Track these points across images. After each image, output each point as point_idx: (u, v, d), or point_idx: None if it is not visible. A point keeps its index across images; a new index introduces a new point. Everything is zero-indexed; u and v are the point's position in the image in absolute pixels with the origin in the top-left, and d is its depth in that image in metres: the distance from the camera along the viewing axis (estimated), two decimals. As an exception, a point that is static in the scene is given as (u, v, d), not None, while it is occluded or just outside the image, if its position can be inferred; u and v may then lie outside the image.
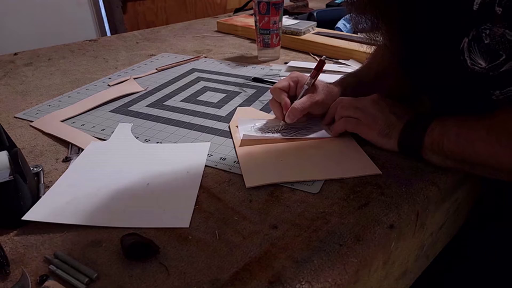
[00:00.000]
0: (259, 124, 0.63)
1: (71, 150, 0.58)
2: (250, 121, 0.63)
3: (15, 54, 1.04)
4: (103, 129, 0.64)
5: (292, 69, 0.89)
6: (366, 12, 0.52)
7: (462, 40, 0.43)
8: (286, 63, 0.92)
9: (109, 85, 0.81)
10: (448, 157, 0.49)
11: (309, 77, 0.61)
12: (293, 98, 0.62)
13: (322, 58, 0.63)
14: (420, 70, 0.56)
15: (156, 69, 0.90)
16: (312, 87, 0.62)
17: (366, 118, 0.55)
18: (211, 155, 0.56)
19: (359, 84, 0.66)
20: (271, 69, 0.89)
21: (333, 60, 0.93)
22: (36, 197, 0.47)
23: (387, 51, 0.65)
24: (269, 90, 0.76)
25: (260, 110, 0.69)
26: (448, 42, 0.46)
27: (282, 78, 0.70)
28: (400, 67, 0.60)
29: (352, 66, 0.88)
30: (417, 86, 0.62)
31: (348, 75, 0.69)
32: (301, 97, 0.60)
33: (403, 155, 0.53)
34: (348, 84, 0.66)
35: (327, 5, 1.40)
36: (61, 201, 0.46)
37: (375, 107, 0.55)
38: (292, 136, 0.59)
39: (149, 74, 0.88)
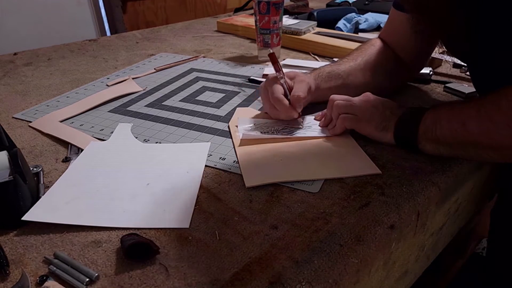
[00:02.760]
0: (259, 124, 0.63)
1: (71, 150, 0.58)
2: (249, 121, 0.63)
3: (15, 54, 1.04)
4: (102, 129, 0.63)
5: (288, 67, 0.89)
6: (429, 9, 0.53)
7: None
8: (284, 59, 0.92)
9: (107, 85, 0.81)
10: (441, 142, 0.50)
11: (278, 73, 0.62)
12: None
13: (270, 52, 0.64)
14: (482, 69, 0.56)
15: (154, 69, 0.90)
16: (289, 79, 0.63)
17: (362, 113, 0.56)
18: (211, 155, 0.56)
19: (331, 74, 0.67)
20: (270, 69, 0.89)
21: (333, 60, 0.93)
22: (36, 197, 0.47)
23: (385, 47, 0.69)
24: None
25: (259, 110, 0.69)
26: (502, 21, 0.46)
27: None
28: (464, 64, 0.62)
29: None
30: (479, 87, 0.63)
31: (324, 66, 0.70)
32: (289, 88, 0.62)
33: (400, 148, 0.54)
34: (321, 72, 0.67)
35: (327, 5, 1.40)
36: (61, 201, 0.46)
37: (369, 103, 0.57)
38: (291, 135, 0.59)
39: (147, 74, 0.87)
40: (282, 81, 0.61)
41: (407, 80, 0.78)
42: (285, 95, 0.61)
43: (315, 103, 0.67)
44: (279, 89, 0.61)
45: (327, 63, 0.83)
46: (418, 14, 0.58)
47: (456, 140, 0.48)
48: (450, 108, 0.50)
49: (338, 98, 0.59)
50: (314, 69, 0.69)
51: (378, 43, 0.73)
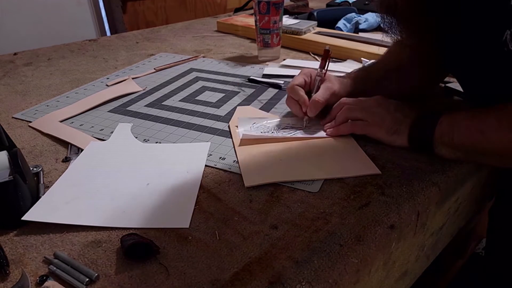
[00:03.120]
0: (259, 123, 0.63)
1: (71, 150, 0.58)
2: (249, 121, 0.63)
3: (15, 54, 1.04)
4: (102, 129, 0.63)
5: (288, 67, 0.89)
6: (405, 13, 0.52)
7: (502, 32, 0.43)
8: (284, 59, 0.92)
9: (107, 85, 0.81)
10: (459, 148, 0.50)
11: (319, 68, 0.62)
12: (308, 94, 0.63)
13: (326, 48, 0.63)
14: (461, 66, 0.56)
15: (154, 69, 0.90)
16: (325, 79, 0.63)
17: (373, 118, 0.55)
18: (211, 154, 0.56)
19: (368, 78, 0.67)
20: (269, 69, 0.89)
21: (333, 59, 0.93)
22: (36, 197, 0.47)
23: (404, 49, 0.67)
24: (267, 90, 0.76)
25: (259, 109, 0.69)
26: (488, 37, 0.46)
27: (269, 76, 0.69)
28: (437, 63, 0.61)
29: (348, 66, 0.88)
30: (460, 83, 0.63)
31: (359, 69, 0.70)
32: (317, 88, 0.62)
33: (413, 151, 0.54)
34: (358, 77, 0.67)
35: (327, 5, 1.40)
36: (61, 201, 0.46)
37: (380, 106, 0.56)
38: (291, 135, 0.59)
39: (147, 74, 0.87)
40: (317, 77, 0.62)
41: (440, 81, 0.75)
42: (309, 92, 0.62)
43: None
44: (299, 80, 0.62)
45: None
46: (387, 15, 0.57)
47: (475, 148, 0.48)
48: (468, 115, 0.49)
49: (348, 102, 0.58)
50: (350, 72, 0.68)
51: (397, 45, 0.70)
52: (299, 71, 0.68)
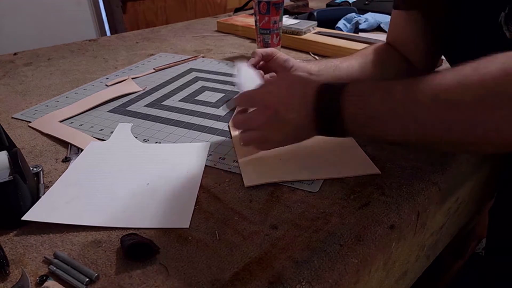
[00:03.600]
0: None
1: (71, 150, 0.58)
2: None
3: (15, 54, 1.04)
4: (102, 129, 0.63)
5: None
6: None
7: (498, 14, 0.42)
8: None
9: (106, 85, 0.81)
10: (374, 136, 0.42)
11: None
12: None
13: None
14: (457, 49, 0.54)
15: (154, 69, 0.90)
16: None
17: (267, 133, 0.48)
18: (210, 154, 0.56)
19: (338, 67, 0.65)
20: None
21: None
22: (36, 197, 0.47)
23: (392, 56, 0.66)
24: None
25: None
26: (484, 18, 0.45)
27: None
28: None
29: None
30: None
31: (331, 59, 0.68)
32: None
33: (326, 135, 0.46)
34: (328, 63, 0.66)
35: (327, 5, 1.40)
36: (61, 201, 0.46)
37: (269, 108, 0.47)
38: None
39: (147, 74, 0.87)
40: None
41: None
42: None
43: None
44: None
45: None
46: (408, 9, 0.56)
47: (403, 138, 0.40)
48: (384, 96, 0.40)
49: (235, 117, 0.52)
50: (321, 59, 0.70)
51: (385, 46, 0.71)
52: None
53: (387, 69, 0.66)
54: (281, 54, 0.69)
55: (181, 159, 0.55)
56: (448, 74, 0.36)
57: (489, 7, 0.44)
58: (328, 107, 0.42)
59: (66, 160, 0.56)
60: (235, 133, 0.61)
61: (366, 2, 1.28)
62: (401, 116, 0.38)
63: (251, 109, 0.51)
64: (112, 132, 0.62)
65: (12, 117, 0.69)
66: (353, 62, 0.66)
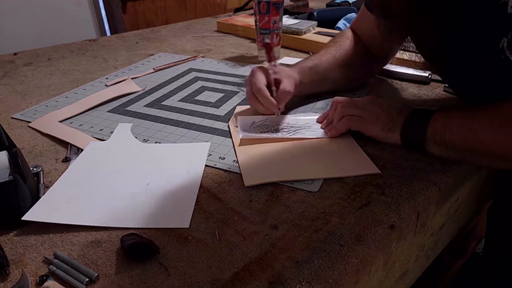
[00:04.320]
0: (258, 123, 0.63)
1: (71, 150, 0.58)
2: (249, 120, 0.63)
3: (15, 54, 1.04)
4: (101, 129, 0.63)
5: (285, 66, 0.89)
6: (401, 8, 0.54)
7: (499, 39, 0.44)
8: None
9: (106, 85, 0.81)
10: (450, 147, 0.50)
11: (270, 63, 0.63)
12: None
13: (266, 41, 0.64)
14: (454, 69, 0.57)
15: (153, 69, 0.90)
16: (277, 70, 0.64)
17: (368, 115, 0.56)
18: (210, 154, 0.56)
19: (313, 70, 0.69)
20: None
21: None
22: (36, 197, 0.47)
23: (358, 44, 0.73)
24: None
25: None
26: (483, 43, 0.47)
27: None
28: (433, 65, 0.63)
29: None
30: (450, 85, 0.65)
31: (305, 60, 0.71)
32: (274, 81, 0.62)
33: (406, 149, 0.54)
34: (305, 67, 0.68)
35: (327, 5, 1.40)
36: (61, 201, 0.46)
37: (373, 104, 0.57)
38: (291, 135, 0.59)
39: (146, 74, 0.87)
40: (270, 71, 0.62)
41: (376, 72, 0.81)
42: (269, 86, 0.62)
43: (308, 103, 0.69)
44: (262, 79, 0.61)
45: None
46: (384, 19, 0.61)
47: (466, 147, 0.48)
48: (461, 114, 0.49)
49: (342, 100, 0.59)
50: (295, 63, 0.70)
51: (351, 36, 0.75)
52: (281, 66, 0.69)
53: (353, 68, 0.72)
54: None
55: (181, 159, 0.55)
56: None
57: (491, 32, 0.45)
58: (414, 137, 0.52)
59: (66, 160, 0.56)
60: (235, 133, 0.61)
61: (366, 2, 1.27)
62: (471, 150, 0.48)
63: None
64: (112, 132, 0.62)
65: (12, 117, 0.69)
66: (325, 61, 0.70)
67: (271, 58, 0.63)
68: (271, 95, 0.61)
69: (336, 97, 0.61)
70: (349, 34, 0.76)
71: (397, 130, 0.53)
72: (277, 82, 0.62)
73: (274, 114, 0.63)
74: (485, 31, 0.46)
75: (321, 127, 0.61)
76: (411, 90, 0.75)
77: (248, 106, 0.70)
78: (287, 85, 0.61)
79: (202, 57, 0.99)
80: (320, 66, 0.69)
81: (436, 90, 0.75)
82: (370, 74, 0.79)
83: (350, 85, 0.63)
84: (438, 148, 0.51)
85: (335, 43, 0.74)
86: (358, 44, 0.74)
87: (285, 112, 0.66)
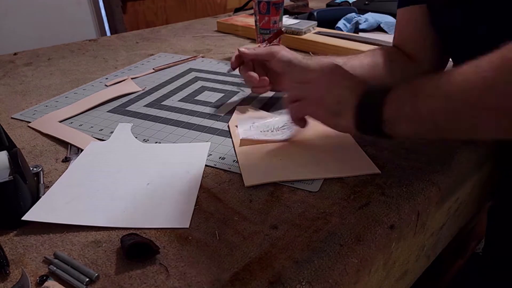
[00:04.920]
0: (258, 123, 0.63)
1: (71, 150, 0.58)
2: (249, 121, 0.63)
3: (15, 54, 1.04)
4: (101, 129, 0.63)
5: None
6: None
7: None
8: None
9: (106, 85, 0.81)
10: (417, 120, 0.41)
11: (266, 41, 0.66)
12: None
13: (282, 29, 0.65)
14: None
15: (153, 69, 0.90)
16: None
17: (310, 93, 0.49)
18: (210, 154, 0.56)
19: (346, 64, 0.63)
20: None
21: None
22: (36, 197, 0.47)
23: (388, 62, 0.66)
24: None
25: (259, 109, 0.69)
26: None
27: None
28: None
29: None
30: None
31: (337, 57, 0.67)
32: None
33: (364, 134, 0.47)
34: (336, 60, 0.63)
35: (327, 5, 1.40)
36: (61, 201, 0.46)
37: (323, 80, 0.49)
38: (291, 135, 0.59)
39: (146, 74, 0.87)
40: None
41: None
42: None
43: None
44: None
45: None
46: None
47: (445, 111, 0.39)
48: (427, 80, 0.41)
49: (293, 71, 0.55)
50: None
51: (393, 48, 0.70)
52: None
53: (394, 70, 0.65)
54: (283, 53, 0.66)
55: (181, 159, 0.55)
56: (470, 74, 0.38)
57: None
58: (370, 112, 0.44)
59: (66, 160, 0.56)
60: (235, 133, 0.61)
61: (366, 2, 1.28)
62: (434, 122, 0.41)
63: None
64: (111, 132, 0.62)
65: (12, 117, 0.69)
66: (362, 61, 0.65)
67: (271, 40, 0.64)
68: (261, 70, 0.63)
69: (290, 66, 0.58)
70: (387, 49, 0.69)
71: (347, 115, 0.45)
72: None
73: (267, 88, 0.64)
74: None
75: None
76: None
77: (248, 106, 0.70)
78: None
79: (202, 57, 0.99)
80: (356, 64, 0.64)
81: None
82: None
83: None
84: (402, 126, 0.43)
85: (370, 52, 0.68)
86: (401, 56, 0.66)
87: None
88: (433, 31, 0.63)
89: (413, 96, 0.41)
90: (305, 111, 0.51)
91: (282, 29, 0.64)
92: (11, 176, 0.44)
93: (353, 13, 1.16)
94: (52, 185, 0.49)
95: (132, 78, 0.84)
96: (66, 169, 0.53)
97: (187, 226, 0.43)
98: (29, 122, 0.67)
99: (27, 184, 0.45)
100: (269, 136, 0.59)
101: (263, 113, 0.67)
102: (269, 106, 0.70)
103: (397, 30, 0.70)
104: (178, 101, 0.74)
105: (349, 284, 0.38)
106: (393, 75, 0.65)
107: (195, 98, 0.75)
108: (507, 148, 0.60)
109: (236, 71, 0.85)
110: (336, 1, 1.38)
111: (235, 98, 0.74)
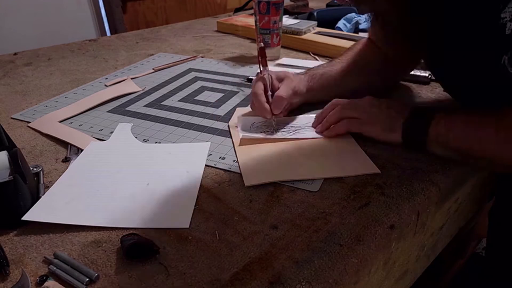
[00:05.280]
0: (258, 123, 0.63)
1: (71, 150, 0.58)
2: (249, 121, 0.63)
3: (15, 54, 1.04)
4: (101, 129, 0.63)
5: (283, 66, 0.89)
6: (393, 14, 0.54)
7: (500, 57, 0.44)
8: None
9: (106, 85, 0.81)
10: (453, 150, 0.50)
11: (262, 67, 0.64)
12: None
13: (261, 45, 0.66)
14: (449, 72, 0.57)
15: (153, 69, 0.90)
16: (282, 76, 0.64)
17: (367, 116, 0.56)
18: (210, 154, 0.56)
19: (328, 74, 0.68)
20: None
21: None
22: (36, 197, 0.47)
23: (373, 49, 0.71)
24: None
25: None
26: (485, 57, 0.47)
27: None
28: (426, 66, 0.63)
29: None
30: (444, 86, 0.65)
31: (318, 66, 0.71)
32: (271, 86, 0.62)
33: (407, 149, 0.54)
34: (316, 73, 0.68)
35: (327, 5, 1.40)
36: (61, 201, 0.46)
37: (372, 105, 0.57)
38: (291, 135, 0.59)
39: (146, 74, 0.87)
40: (265, 76, 0.62)
41: (399, 79, 0.79)
42: (266, 91, 0.61)
43: (311, 104, 0.68)
44: (259, 85, 0.62)
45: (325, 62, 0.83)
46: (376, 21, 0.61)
47: (469, 153, 0.49)
48: (465, 119, 0.50)
49: (341, 102, 0.59)
50: (308, 69, 0.70)
51: (367, 44, 0.74)
52: (296, 70, 0.69)
53: (369, 76, 0.70)
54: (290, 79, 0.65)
55: (181, 159, 0.55)
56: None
57: (491, 49, 0.45)
58: (416, 137, 0.52)
59: (66, 160, 0.56)
60: (235, 133, 0.61)
61: (366, 2, 1.27)
62: (474, 156, 0.49)
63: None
64: (111, 132, 0.62)
65: (12, 118, 0.69)
66: (336, 68, 0.70)
67: (263, 63, 0.64)
68: (268, 101, 0.61)
69: (335, 99, 0.60)
70: (364, 42, 0.75)
71: (397, 130, 0.53)
72: (275, 89, 0.62)
73: (272, 118, 0.61)
74: (485, 48, 0.46)
75: (313, 125, 0.61)
76: (411, 90, 0.75)
77: (248, 107, 0.70)
78: (282, 91, 0.61)
79: (202, 57, 0.99)
80: (331, 72, 0.69)
81: (436, 90, 0.75)
82: (389, 81, 0.76)
83: (368, 92, 0.60)
84: (440, 149, 0.51)
85: (350, 50, 0.74)
86: (374, 52, 0.72)
87: (286, 115, 0.65)
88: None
89: (447, 130, 0.49)
90: (360, 129, 0.57)
91: (261, 45, 0.65)
92: (11, 176, 0.44)
93: (353, 13, 1.16)
94: (52, 185, 0.49)
95: (132, 78, 0.84)
96: (66, 169, 0.53)
97: (187, 226, 0.43)
98: (29, 122, 0.67)
99: (27, 184, 0.45)
100: (269, 136, 0.59)
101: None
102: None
103: (372, 28, 0.76)
104: (178, 101, 0.74)
105: (349, 284, 0.38)
106: (368, 78, 0.70)
107: (195, 98, 0.75)
108: None
109: (237, 71, 0.86)
110: (336, 1, 1.38)
111: (235, 98, 0.74)
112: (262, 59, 0.64)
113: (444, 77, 0.62)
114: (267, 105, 0.60)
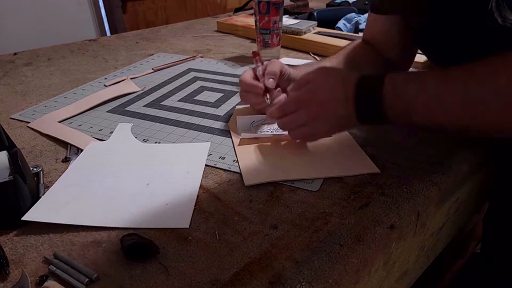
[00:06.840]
0: (258, 122, 0.63)
1: (70, 150, 0.58)
2: (249, 120, 0.63)
3: (15, 54, 1.04)
4: (101, 130, 0.63)
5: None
6: None
7: (487, 2, 0.43)
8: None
9: (105, 85, 0.81)
10: (414, 107, 0.45)
11: (258, 63, 0.66)
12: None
13: (254, 50, 0.68)
14: (440, 40, 0.56)
15: (152, 69, 0.90)
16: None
17: (317, 126, 0.51)
18: (210, 154, 0.56)
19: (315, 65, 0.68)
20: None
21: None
22: (36, 197, 0.47)
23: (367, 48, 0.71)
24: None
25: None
26: (472, 7, 0.46)
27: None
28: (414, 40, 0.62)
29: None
30: (433, 57, 0.63)
31: (311, 62, 0.73)
32: (261, 75, 0.62)
33: (363, 121, 0.49)
34: (309, 64, 0.69)
35: (327, 5, 1.40)
36: (61, 201, 0.46)
37: (317, 102, 0.51)
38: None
39: (145, 74, 0.87)
40: (258, 69, 0.63)
41: None
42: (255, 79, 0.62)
43: None
44: (248, 72, 0.62)
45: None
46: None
47: (434, 125, 0.45)
48: (429, 73, 0.46)
49: (282, 103, 0.55)
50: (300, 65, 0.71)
51: (362, 44, 0.74)
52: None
53: (364, 68, 0.69)
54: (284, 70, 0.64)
55: (181, 159, 0.55)
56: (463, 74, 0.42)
57: None
58: (368, 99, 0.47)
59: (66, 160, 0.56)
60: (235, 132, 0.61)
61: (366, 2, 1.28)
62: (433, 109, 0.44)
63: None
64: (111, 132, 0.62)
65: (11, 118, 0.69)
66: (333, 63, 0.69)
67: (258, 60, 0.65)
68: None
69: (282, 95, 0.60)
70: (359, 42, 0.75)
71: (350, 99, 0.48)
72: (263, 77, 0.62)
73: (265, 97, 0.60)
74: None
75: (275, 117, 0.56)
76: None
77: (248, 106, 0.70)
78: (271, 67, 0.60)
79: (201, 57, 0.99)
80: (326, 64, 0.69)
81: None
82: None
83: None
84: (399, 109, 0.46)
85: (344, 49, 0.74)
86: (369, 50, 0.72)
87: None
88: (404, 36, 0.67)
89: (410, 82, 0.45)
90: (312, 139, 0.55)
91: (254, 50, 0.67)
92: (11, 176, 0.44)
93: (353, 13, 1.17)
94: (52, 185, 0.49)
95: (131, 78, 0.84)
96: (66, 169, 0.53)
97: (187, 226, 0.43)
98: (29, 122, 0.66)
99: (27, 184, 0.45)
100: (269, 136, 0.59)
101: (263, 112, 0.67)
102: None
103: (367, 27, 0.76)
104: (178, 101, 0.74)
105: (349, 284, 0.38)
106: (364, 69, 0.67)
107: (195, 98, 0.75)
108: (507, 148, 0.60)
109: (236, 71, 0.86)
110: (336, 1, 1.38)
111: (235, 98, 0.74)
112: (259, 60, 0.66)
113: (430, 36, 0.59)
114: (256, 82, 0.59)
